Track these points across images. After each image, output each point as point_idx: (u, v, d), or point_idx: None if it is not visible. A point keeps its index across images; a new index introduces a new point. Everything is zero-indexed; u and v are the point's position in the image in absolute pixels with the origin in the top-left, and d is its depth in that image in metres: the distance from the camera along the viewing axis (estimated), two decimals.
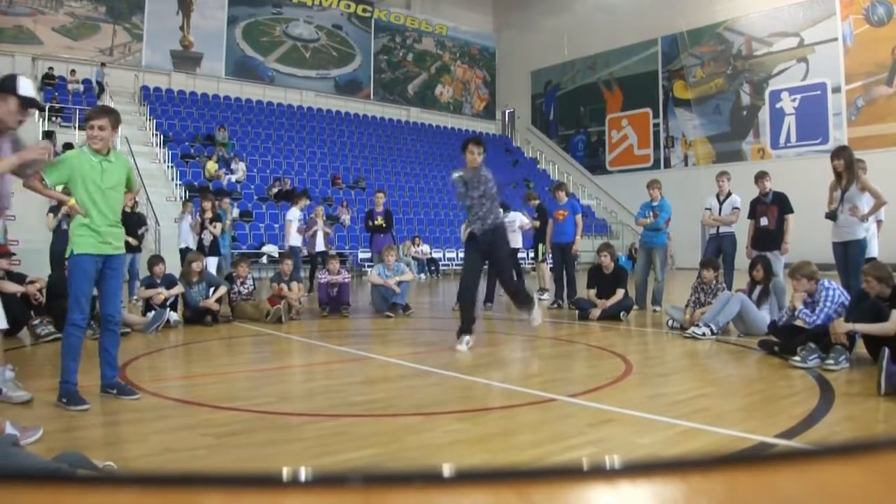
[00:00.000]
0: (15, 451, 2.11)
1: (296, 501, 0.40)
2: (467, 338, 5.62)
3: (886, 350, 3.83)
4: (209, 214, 9.57)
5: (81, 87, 19.51)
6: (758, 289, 6.34)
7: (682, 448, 2.89)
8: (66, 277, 3.85)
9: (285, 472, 0.41)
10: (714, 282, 6.76)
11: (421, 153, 25.24)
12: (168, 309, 7.05)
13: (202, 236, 9.46)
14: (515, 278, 5.81)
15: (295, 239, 10.67)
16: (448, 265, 18.72)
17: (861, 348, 4.69)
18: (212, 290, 7.58)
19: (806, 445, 2.73)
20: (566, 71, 28.42)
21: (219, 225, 9.72)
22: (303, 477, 0.41)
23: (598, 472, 0.41)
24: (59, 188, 3.80)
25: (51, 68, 19.38)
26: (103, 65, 20.49)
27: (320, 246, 11.05)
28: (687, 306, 6.79)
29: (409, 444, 2.95)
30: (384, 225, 9.61)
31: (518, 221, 10.76)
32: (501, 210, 9.11)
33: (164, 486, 0.40)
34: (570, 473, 0.41)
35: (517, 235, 10.90)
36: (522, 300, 6.00)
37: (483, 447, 2.93)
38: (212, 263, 9.19)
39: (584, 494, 0.40)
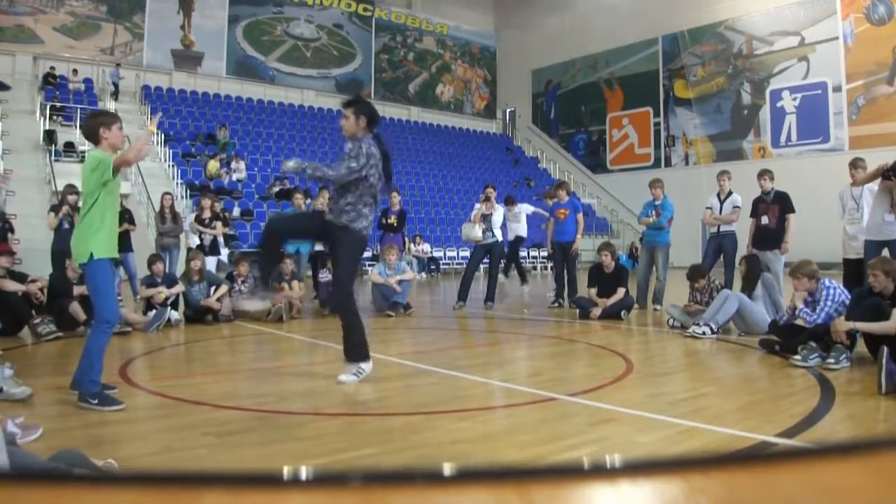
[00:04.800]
0: (11, 450, 2.11)
1: (296, 501, 0.40)
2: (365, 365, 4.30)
3: (885, 349, 3.83)
4: (208, 213, 9.54)
5: (83, 87, 19.54)
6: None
7: (683, 447, 2.89)
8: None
9: (286, 472, 0.41)
10: (708, 286, 6.75)
11: (422, 152, 25.21)
12: (169, 308, 7.05)
13: (202, 236, 9.43)
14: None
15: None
16: (449, 264, 18.72)
17: (862, 347, 4.68)
18: (213, 288, 7.59)
19: (806, 444, 2.72)
20: (567, 70, 28.40)
21: (219, 224, 9.67)
22: (303, 476, 0.41)
23: (599, 471, 0.41)
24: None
25: (52, 68, 19.40)
26: (118, 65, 20.50)
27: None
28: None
29: (410, 444, 2.95)
30: (395, 224, 9.62)
31: (524, 211, 10.81)
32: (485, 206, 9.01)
33: (164, 486, 0.40)
34: (571, 472, 0.41)
35: (522, 225, 10.91)
36: (353, 345, 4.33)
37: (484, 446, 2.93)
38: (211, 263, 9.16)
39: (584, 493, 0.40)
